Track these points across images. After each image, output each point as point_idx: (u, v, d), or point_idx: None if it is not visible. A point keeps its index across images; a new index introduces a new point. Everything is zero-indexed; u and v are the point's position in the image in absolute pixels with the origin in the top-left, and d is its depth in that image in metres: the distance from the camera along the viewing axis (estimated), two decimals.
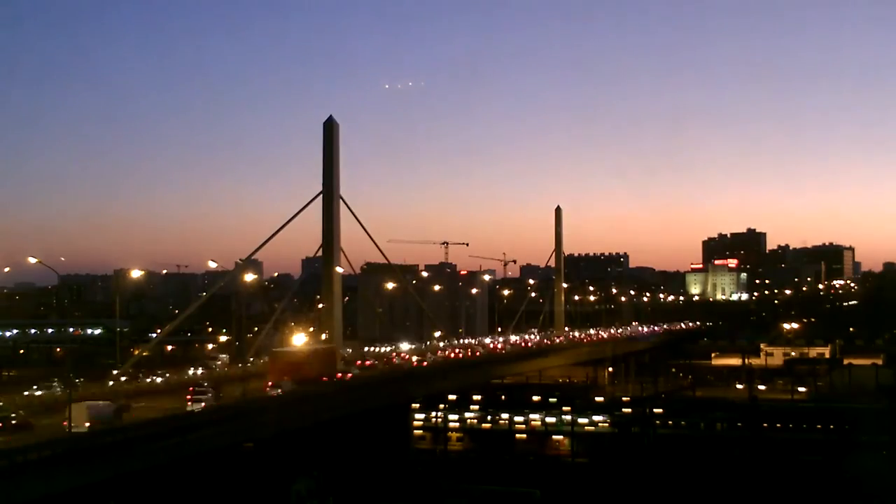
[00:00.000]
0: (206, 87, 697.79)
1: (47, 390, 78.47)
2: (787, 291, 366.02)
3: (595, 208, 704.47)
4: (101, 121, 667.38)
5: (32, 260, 76.22)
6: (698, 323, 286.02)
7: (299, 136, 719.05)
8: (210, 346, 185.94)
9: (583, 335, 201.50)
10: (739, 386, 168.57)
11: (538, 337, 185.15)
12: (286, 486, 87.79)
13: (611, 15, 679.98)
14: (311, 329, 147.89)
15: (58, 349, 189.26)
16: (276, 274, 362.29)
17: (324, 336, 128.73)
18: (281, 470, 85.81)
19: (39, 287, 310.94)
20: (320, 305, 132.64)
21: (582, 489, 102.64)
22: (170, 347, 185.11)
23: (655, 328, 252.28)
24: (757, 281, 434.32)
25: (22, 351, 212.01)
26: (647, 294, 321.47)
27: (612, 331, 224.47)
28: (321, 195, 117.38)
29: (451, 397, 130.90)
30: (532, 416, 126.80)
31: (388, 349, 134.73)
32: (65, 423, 58.98)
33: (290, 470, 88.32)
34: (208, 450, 71.67)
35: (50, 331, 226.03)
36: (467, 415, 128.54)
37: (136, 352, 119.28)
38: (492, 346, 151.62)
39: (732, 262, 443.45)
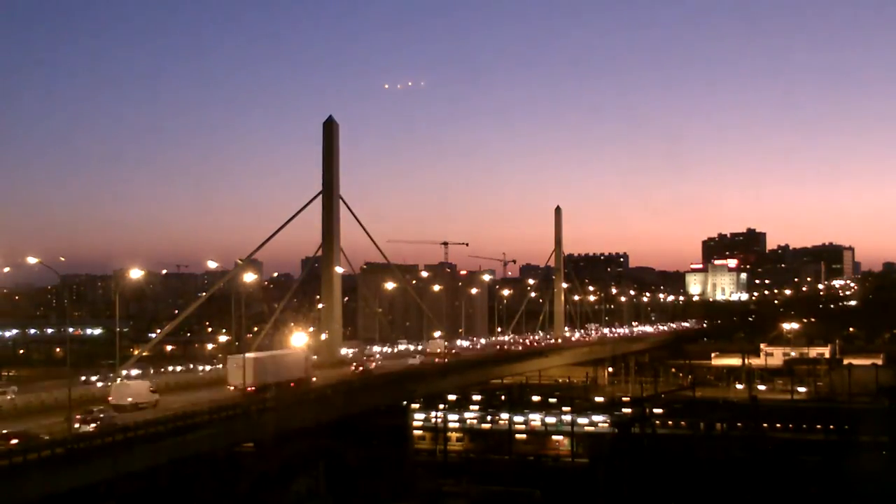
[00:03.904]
0: (205, 86, 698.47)
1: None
2: (787, 291, 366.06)
3: (595, 208, 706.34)
4: (101, 121, 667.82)
5: (32, 260, 76.03)
6: (698, 322, 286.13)
7: (299, 136, 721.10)
8: (210, 346, 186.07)
9: (582, 335, 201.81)
10: (739, 386, 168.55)
11: (538, 337, 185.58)
12: (286, 486, 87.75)
13: (611, 15, 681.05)
14: (311, 329, 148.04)
15: (58, 349, 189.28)
16: (276, 274, 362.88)
17: (324, 336, 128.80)
18: (281, 470, 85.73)
19: (39, 287, 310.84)
20: (320, 305, 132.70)
21: (582, 489, 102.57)
22: (170, 347, 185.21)
23: (656, 328, 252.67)
24: (757, 281, 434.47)
25: (22, 351, 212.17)
26: (647, 294, 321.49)
27: (613, 331, 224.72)
28: (321, 195, 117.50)
29: (451, 397, 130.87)
30: (532, 416, 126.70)
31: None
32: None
33: (290, 470, 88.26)
34: (208, 450, 71.66)
35: (50, 331, 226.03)
36: (467, 415, 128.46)
37: (136, 352, 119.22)
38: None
39: (732, 262, 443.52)
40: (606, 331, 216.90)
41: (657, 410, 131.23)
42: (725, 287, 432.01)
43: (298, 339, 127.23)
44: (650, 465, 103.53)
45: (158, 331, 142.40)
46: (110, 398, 71.82)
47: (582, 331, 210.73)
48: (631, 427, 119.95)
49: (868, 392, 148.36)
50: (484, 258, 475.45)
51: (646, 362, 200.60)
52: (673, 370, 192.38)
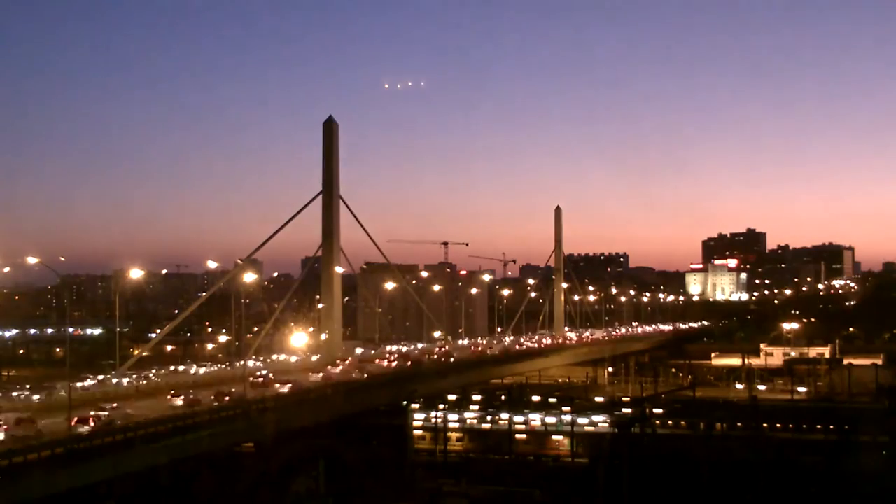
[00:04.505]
0: (206, 87, 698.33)
1: None
2: (787, 291, 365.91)
3: (595, 208, 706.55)
4: (102, 121, 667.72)
5: (32, 260, 76.11)
6: (699, 324, 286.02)
7: (299, 136, 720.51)
8: (210, 346, 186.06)
9: (583, 335, 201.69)
10: (739, 386, 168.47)
11: (536, 338, 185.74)
12: (286, 486, 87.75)
13: (611, 15, 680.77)
14: (311, 329, 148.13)
15: (58, 349, 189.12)
16: (276, 274, 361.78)
17: (323, 336, 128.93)
18: (281, 470, 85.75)
19: (39, 287, 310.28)
20: (320, 305, 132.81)
21: (582, 489, 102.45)
22: (170, 347, 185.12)
23: (656, 328, 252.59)
24: (757, 281, 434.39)
25: (22, 351, 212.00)
26: (647, 294, 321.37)
27: (613, 330, 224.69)
28: (321, 195, 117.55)
29: (451, 397, 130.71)
30: (532, 416, 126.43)
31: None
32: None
33: (290, 470, 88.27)
34: (208, 450, 71.66)
35: (50, 331, 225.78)
36: (467, 415, 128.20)
37: (136, 352, 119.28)
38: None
39: (732, 262, 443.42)
40: (602, 333, 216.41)
41: (657, 410, 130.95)
42: (725, 287, 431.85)
43: (298, 339, 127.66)
44: (650, 465, 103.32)
45: (158, 331, 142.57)
46: None
47: (584, 332, 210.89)
48: (631, 427, 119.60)
49: (868, 392, 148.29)
50: (484, 258, 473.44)
51: (646, 362, 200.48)
52: (673, 370, 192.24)
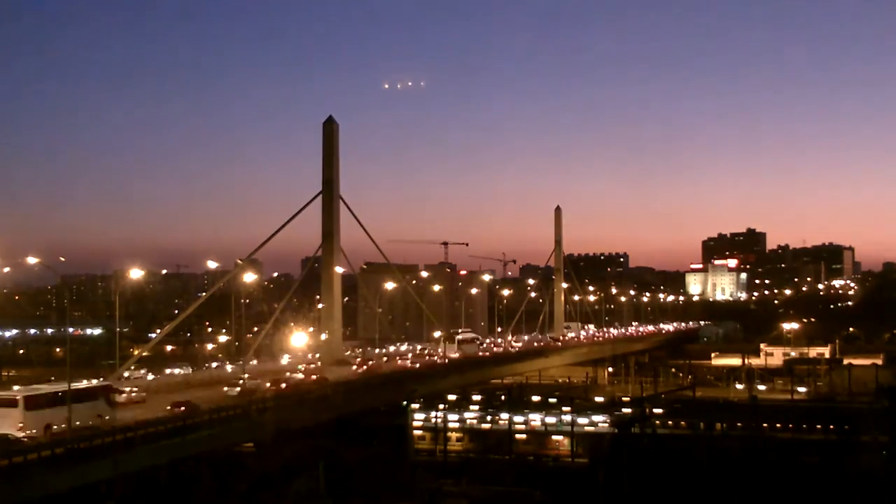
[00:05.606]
0: (205, 86, 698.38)
1: None
2: (787, 291, 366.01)
3: (595, 208, 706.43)
4: (101, 120, 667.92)
5: (32, 260, 76.03)
6: (700, 322, 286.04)
7: (299, 136, 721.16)
8: (210, 346, 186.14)
9: (583, 335, 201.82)
10: (739, 386, 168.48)
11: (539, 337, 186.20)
12: (286, 486, 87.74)
13: (610, 15, 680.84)
14: (311, 329, 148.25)
15: (58, 349, 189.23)
16: (276, 274, 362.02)
17: (324, 336, 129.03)
18: (281, 470, 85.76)
19: (39, 287, 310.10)
20: (320, 305, 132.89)
21: (582, 489, 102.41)
22: (170, 347, 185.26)
23: (656, 328, 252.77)
24: (757, 281, 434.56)
25: (22, 351, 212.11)
26: (647, 294, 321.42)
27: (612, 331, 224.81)
28: (321, 195, 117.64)
29: (451, 397, 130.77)
30: (532, 416, 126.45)
31: None
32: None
33: (290, 470, 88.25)
34: (208, 450, 71.69)
35: (50, 331, 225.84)
36: (467, 415, 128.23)
37: (136, 352, 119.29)
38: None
39: (732, 262, 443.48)
40: (599, 334, 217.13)
41: (657, 410, 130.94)
42: (725, 287, 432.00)
43: (298, 339, 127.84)
44: (650, 465, 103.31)
45: (158, 331, 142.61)
46: None
47: (587, 329, 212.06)
48: (631, 427, 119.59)
49: (868, 392, 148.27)
50: (484, 258, 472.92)
51: (646, 362, 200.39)
52: (673, 370, 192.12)
